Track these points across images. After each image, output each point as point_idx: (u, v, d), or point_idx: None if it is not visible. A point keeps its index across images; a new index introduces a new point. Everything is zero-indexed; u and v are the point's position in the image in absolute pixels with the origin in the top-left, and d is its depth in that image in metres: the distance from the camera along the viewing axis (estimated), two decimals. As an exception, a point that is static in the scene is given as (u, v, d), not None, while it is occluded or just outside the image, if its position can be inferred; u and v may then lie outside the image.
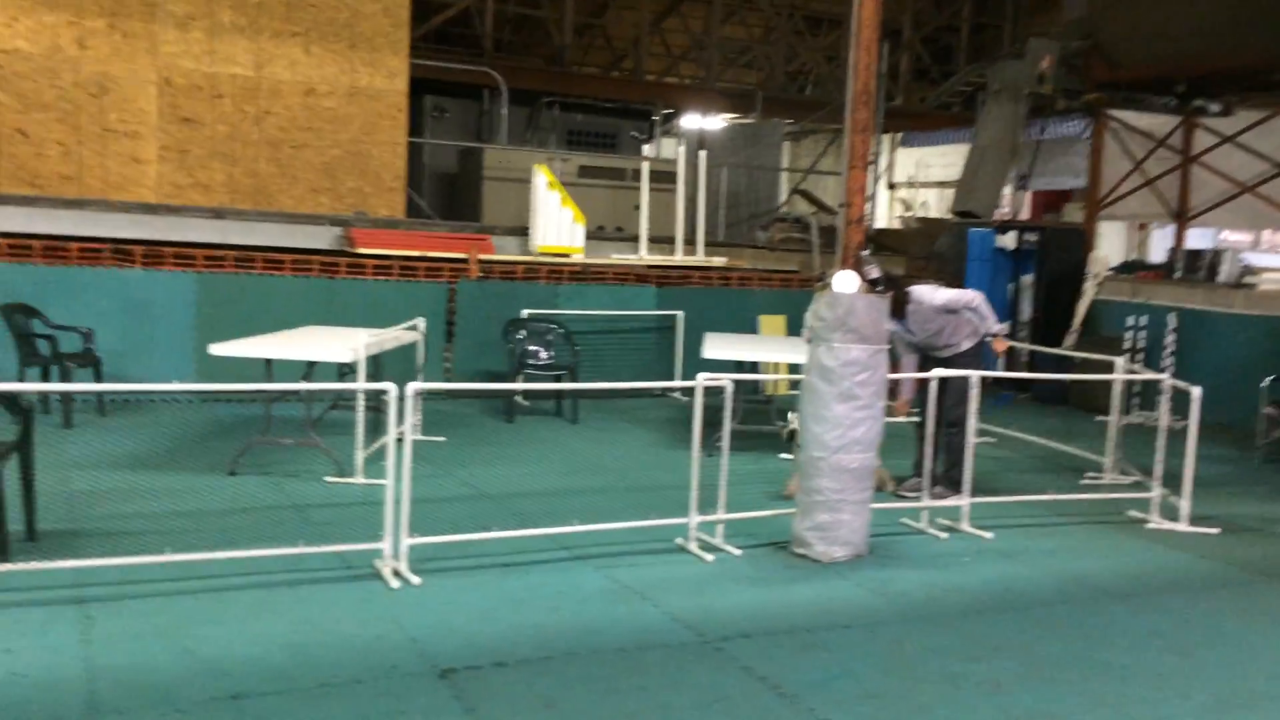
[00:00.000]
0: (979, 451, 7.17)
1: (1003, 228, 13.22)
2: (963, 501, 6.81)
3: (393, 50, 12.28)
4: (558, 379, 9.83)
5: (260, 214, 11.25)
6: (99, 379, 8.82)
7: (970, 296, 7.47)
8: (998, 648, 4.90)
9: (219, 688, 4.03)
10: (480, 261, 11.32)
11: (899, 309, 7.21)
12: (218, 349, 7.23)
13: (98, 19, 10.99)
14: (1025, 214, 19.36)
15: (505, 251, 12.01)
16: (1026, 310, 12.99)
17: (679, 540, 6.14)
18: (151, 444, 8.08)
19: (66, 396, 8.60)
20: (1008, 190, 16.16)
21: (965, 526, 6.75)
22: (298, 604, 4.93)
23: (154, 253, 10.17)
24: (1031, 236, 13.06)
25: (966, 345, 7.47)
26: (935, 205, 23.04)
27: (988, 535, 6.66)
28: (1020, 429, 9.69)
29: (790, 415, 7.31)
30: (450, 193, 15.82)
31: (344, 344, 7.42)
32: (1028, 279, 12.99)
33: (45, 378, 8.64)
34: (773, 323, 11.81)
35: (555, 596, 5.24)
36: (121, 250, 10.08)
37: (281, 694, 4.02)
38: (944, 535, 6.64)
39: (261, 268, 10.41)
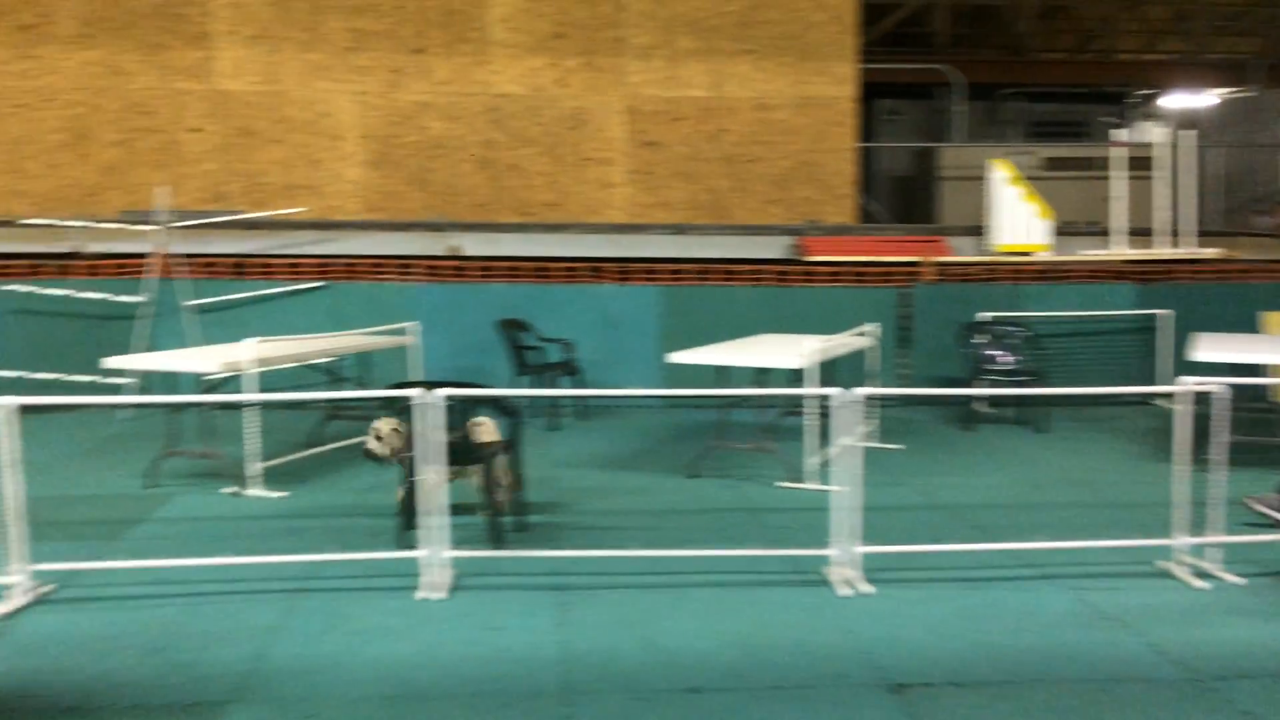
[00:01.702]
0: None
1: None
2: None
3: (841, 57, 12.28)
4: (1021, 385, 9.26)
5: (717, 228, 11.72)
6: (579, 386, 9.65)
7: None
8: None
9: (677, 680, 4.17)
10: (935, 264, 10.97)
11: None
12: (675, 357, 7.59)
13: (574, 58, 12.05)
14: None
15: (961, 253, 11.55)
16: None
17: (1161, 563, 5.49)
18: (623, 446, 8.67)
19: (553, 402, 9.48)
20: None
21: None
22: (751, 605, 5.00)
23: (623, 269, 10.94)
24: None
25: None
26: None
27: None
28: None
29: (378, 426, 6.00)
30: (905, 195, 15.53)
31: (793, 351, 7.48)
32: None
33: (535, 384, 9.58)
34: (1278, 320, 10.31)
35: (1018, 616, 4.88)
36: (596, 268, 10.95)
37: (734, 691, 4.07)
38: None
39: (718, 279, 10.84)
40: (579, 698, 4.00)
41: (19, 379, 9.83)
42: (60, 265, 10.60)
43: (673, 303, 10.49)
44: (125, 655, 4.36)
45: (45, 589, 5.08)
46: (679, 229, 11.51)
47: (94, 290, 10.24)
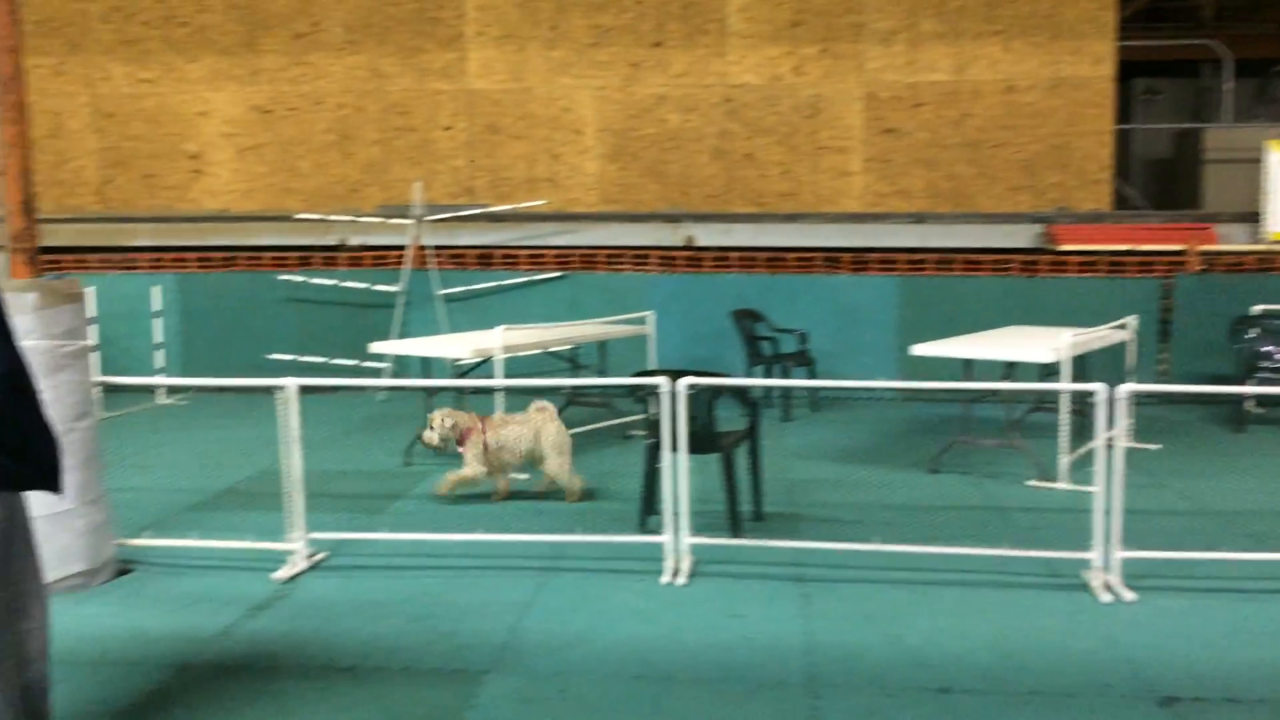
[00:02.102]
0: None
1: None
2: None
3: (1098, 35, 11.60)
4: (1299, 384, 8.50)
5: (958, 216, 11.33)
6: (812, 377, 9.55)
7: None
8: None
9: (925, 678, 4.07)
10: (1201, 253, 10.22)
11: None
12: (919, 349, 7.39)
13: (811, 46, 11.92)
14: None
15: (1231, 241, 10.70)
16: None
17: None
18: (858, 438, 8.52)
19: (785, 393, 9.44)
20: None
21: None
22: (1002, 606, 4.82)
23: (859, 259, 10.76)
24: None
25: None
26: None
27: None
28: None
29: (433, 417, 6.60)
30: (1164, 180, 14.54)
31: (1046, 344, 7.14)
32: None
33: (768, 375, 9.56)
34: None
35: (1303, 633, 4.49)
36: (831, 258, 10.81)
37: (987, 694, 3.93)
38: None
39: (960, 269, 10.48)
40: (826, 690, 3.96)
41: (292, 362, 10.65)
42: (326, 257, 11.40)
43: (911, 294, 10.23)
44: (393, 621, 4.65)
45: (319, 556, 5.48)
46: (918, 218, 11.20)
47: (356, 280, 10.96)
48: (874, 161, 11.98)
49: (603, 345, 8.96)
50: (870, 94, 11.92)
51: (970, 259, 10.55)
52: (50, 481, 3.08)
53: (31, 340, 4.84)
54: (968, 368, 7.37)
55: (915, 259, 10.66)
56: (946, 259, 10.60)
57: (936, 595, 4.95)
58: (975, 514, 6.30)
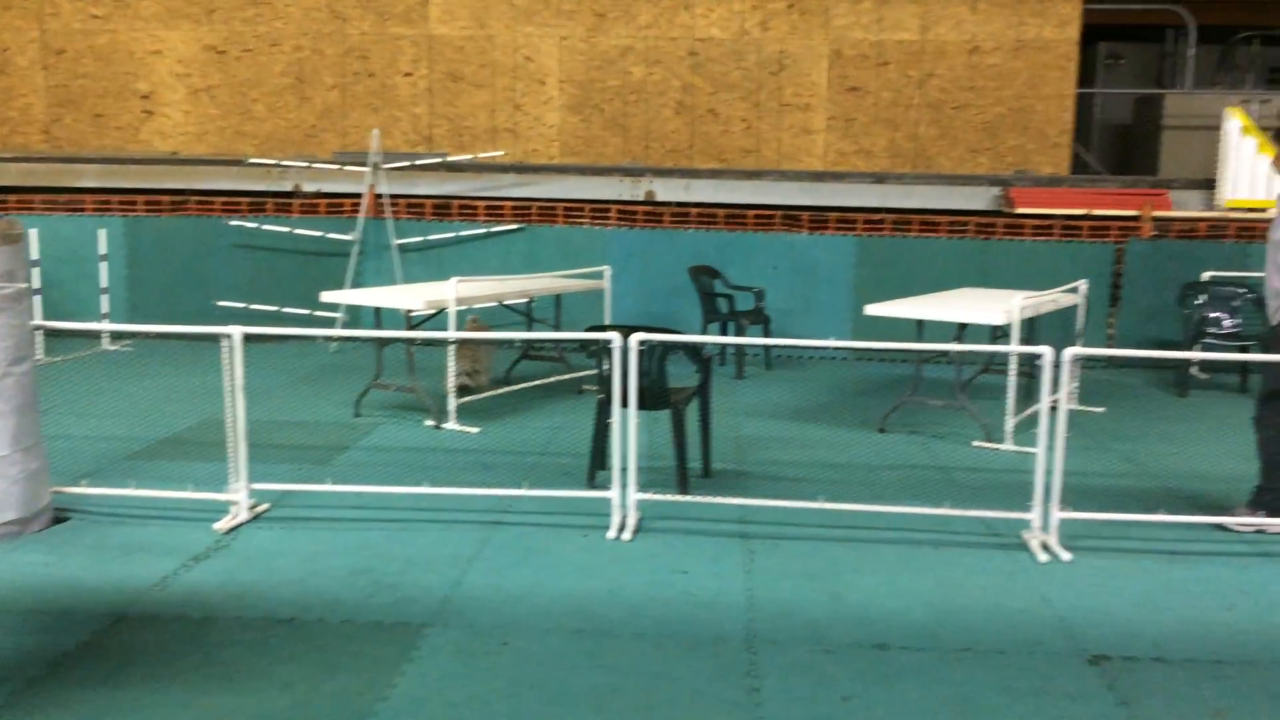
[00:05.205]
0: None
1: None
2: None
3: (1063, -3, 11.60)
4: (1243, 350, 8.64)
5: (918, 177, 11.33)
6: (767, 335, 9.58)
7: None
8: None
9: (862, 635, 4.12)
10: (1155, 219, 10.31)
11: None
12: (873, 309, 7.41)
13: (779, 1, 11.81)
14: None
15: (1185, 207, 10.80)
16: None
17: (1404, 550, 5.04)
18: (810, 397, 8.57)
19: (740, 350, 9.46)
20: None
21: None
22: (941, 565, 4.88)
23: (819, 218, 10.75)
24: None
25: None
26: None
27: None
28: None
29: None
30: (1123, 146, 14.64)
31: (997, 306, 7.19)
32: None
33: (723, 332, 9.56)
34: None
35: (1232, 594, 4.58)
36: (791, 216, 10.80)
37: (923, 651, 3.99)
38: None
39: (918, 230, 10.51)
40: (764, 646, 4.00)
41: (243, 309, 10.51)
42: (280, 203, 11.22)
43: (868, 254, 10.25)
44: (334, 573, 4.62)
45: (262, 507, 5.44)
46: (879, 178, 11.19)
47: (310, 228, 10.80)
48: (837, 120, 11.95)
49: (558, 299, 8.91)
50: (836, 51, 11.85)
51: (928, 220, 10.58)
52: None
53: (-36, 283, 4.73)
54: (920, 328, 7.42)
55: (874, 219, 10.67)
56: (904, 220, 10.62)
57: (878, 554, 5.01)
58: (919, 473, 6.37)
